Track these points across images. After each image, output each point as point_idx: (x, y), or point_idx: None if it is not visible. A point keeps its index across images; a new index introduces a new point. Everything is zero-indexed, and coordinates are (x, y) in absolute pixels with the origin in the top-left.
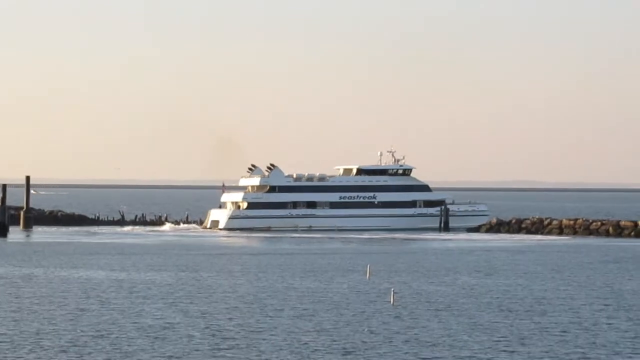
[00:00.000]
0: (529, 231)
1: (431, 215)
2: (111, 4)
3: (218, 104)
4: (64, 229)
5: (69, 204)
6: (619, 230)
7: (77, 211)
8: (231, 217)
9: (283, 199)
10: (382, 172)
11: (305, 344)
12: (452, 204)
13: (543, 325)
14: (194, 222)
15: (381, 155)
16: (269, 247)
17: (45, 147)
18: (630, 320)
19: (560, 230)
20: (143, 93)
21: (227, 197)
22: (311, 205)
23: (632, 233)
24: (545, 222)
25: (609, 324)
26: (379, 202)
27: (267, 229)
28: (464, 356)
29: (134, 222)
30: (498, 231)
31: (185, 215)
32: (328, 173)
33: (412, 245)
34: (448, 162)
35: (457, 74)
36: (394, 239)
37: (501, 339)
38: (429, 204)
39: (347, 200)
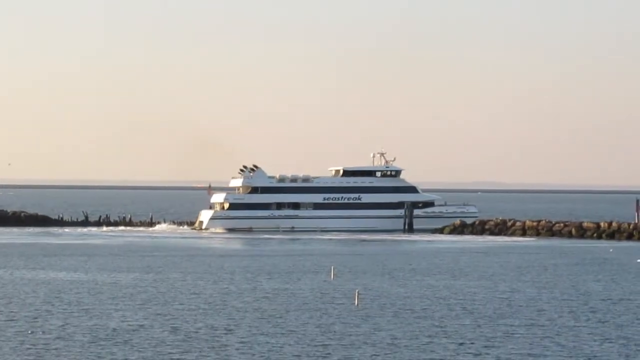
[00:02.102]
0: (492, 232)
1: (417, 216)
2: (86, 1)
3: (214, 105)
4: (27, 229)
5: (32, 204)
6: (581, 232)
7: (40, 212)
8: (212, 218)
9: (265, 200)
10: (369, 173)
11: (270, 344)
12: (444, 205)
13: (508, 327)
14: (158, 222)
15: (374, 156)
16: (239, 248)
17: (10, 147)
18: (596, 322)
19: (524, 232)
20: (123, 93)
21: (216, 198)
22: (295, 206)
23: (594, 234)
24: (509, 224)
25: (575, 325)
26: (364, 203)
27: (249, 230)
28: (428, 358)
29: (98, 223)
30: (462, 232)
31: (150, 216)
32: (323, 175)
33: (376, 247)
34: (448, 163)
35: (456, 74)
36: (360, 240)
37: (466, 341)
38: (417, 205)
39: (330, 201)
